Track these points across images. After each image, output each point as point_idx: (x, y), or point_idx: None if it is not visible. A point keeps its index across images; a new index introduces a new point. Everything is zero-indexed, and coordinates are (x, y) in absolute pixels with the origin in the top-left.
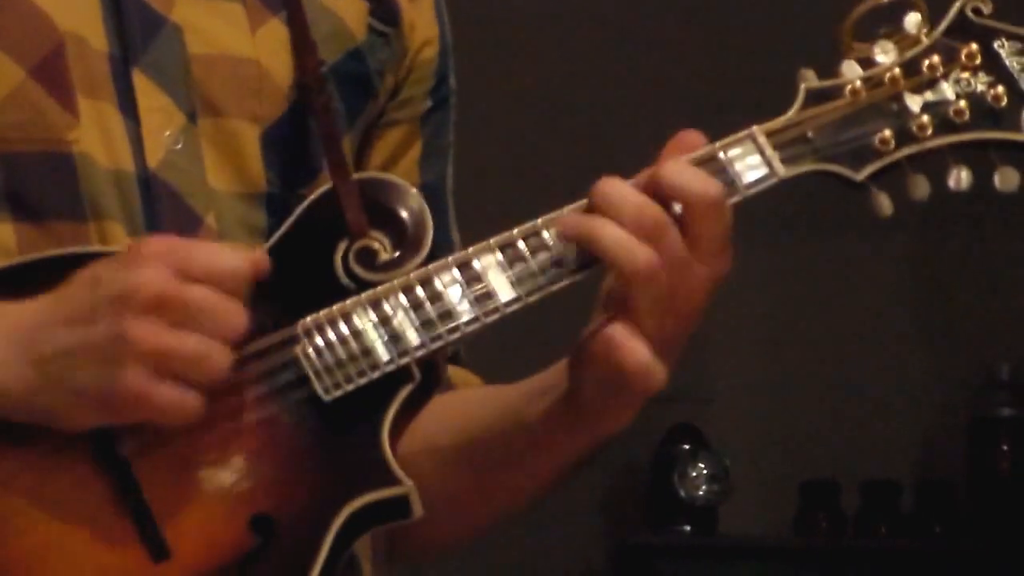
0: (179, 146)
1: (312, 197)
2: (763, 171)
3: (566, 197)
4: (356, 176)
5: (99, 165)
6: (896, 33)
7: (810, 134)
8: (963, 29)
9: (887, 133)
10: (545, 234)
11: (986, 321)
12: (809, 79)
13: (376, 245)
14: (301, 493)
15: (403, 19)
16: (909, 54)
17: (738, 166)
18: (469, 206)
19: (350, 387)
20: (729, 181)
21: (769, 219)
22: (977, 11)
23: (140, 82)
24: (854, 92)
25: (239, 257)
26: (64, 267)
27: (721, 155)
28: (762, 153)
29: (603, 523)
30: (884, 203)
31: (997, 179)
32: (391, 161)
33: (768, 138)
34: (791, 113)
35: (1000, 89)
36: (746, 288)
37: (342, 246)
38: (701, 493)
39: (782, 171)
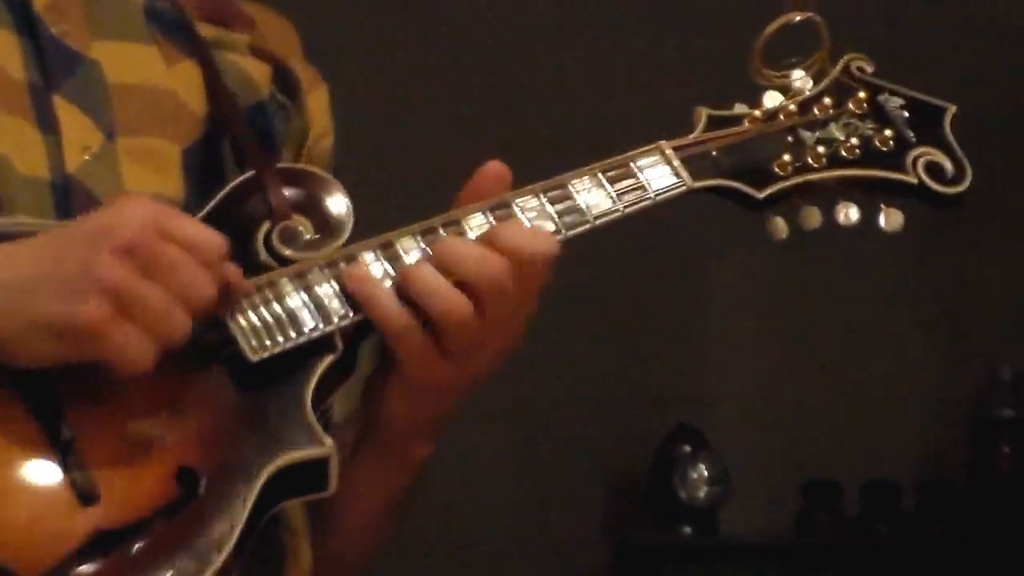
0: (97, 154)
1: (235, 181)
2: (672, 179)
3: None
4: (279, 165)
5: (16, 170)
6: (798, 63)
7: (714, 152)
8: (852, 79)
9: (785, 158)
10: (465, 222)
11: (989, 321)
12: (709, 110)
13: (299, 227)
14: (226, 450)
15: (303, 101)
16: (807, 93)
17: (648, 173)
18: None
19: (276, 349)
20: (639, 186)
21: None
22: (860, 69)
23: (61, 105)
24: (753, 120)
25: (214, 234)
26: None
27: (631, 164)
28: (670, 164)
29: (604, 524)
30: (780, 226)
31: (882, 219)
32: None
33: (675, 151)
34: (695, 134)
35: (887, 133)
36: (746, 289)
37: (264, 226)
38: (702, 495)
39: (690, 180)
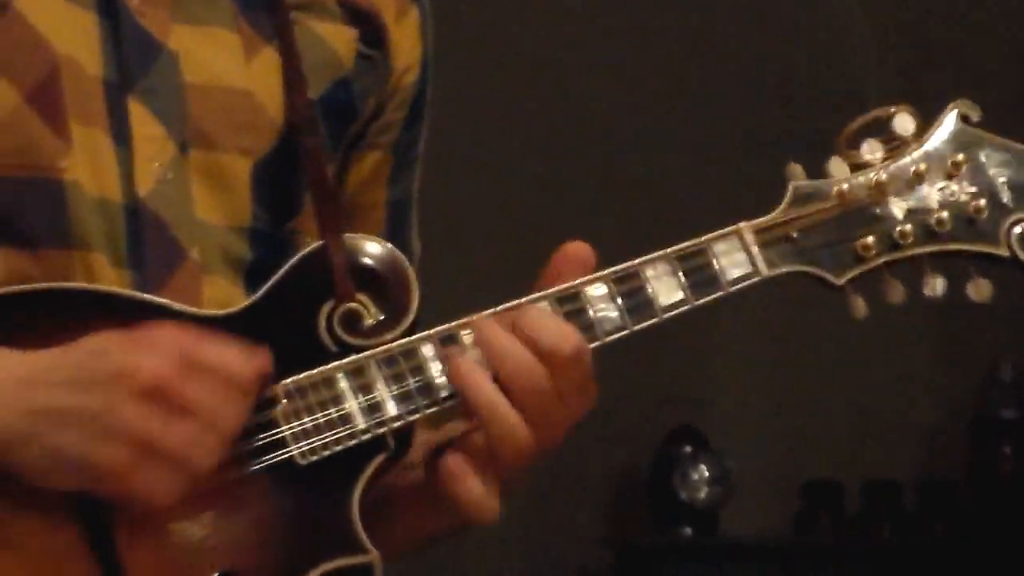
0: (169, 176)
1: (301, 254)
2: (747, 269)
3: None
4: (347, 237)
5: (87, 193)
6: (887, 136)
7: (795, 234)
8: (951, 136)
9: (870, 240)
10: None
11: (989, 321)
12: (797, 176)
13: (361, 309)
14: (269, 553)
15: (389, 40)
16: (897, 160)
17: (723, 261)
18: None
19: (326, 453)
20: (711, 278)
21: None
22: (966, 118)
23: (135, 109)
24: (840, 195)
25: (246, 359)
26: (50, 301)
27: (708, 249)
28: (747, 251)
29: (605, 525)
30: (860, 306)
31: (971, 289)
32: (365, 184)
33: (755, 235)
34: (778, 211)
35: (982, 202)
36: (747, 290)
37: (327, 307)
38: (702, 495)
39: (765, 271)
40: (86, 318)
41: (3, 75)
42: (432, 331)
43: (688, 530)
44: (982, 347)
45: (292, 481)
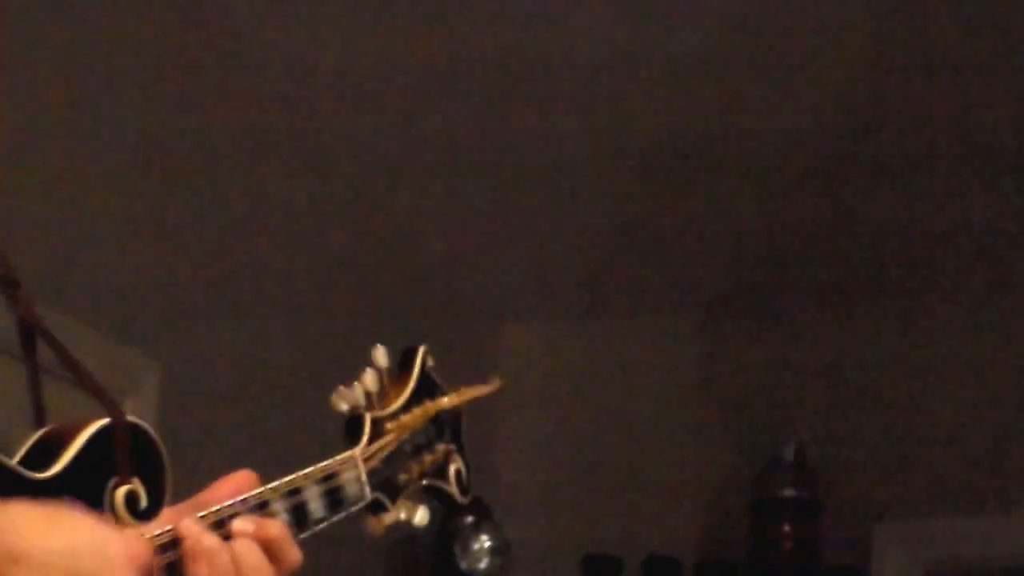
0: None
1: (93, 430)
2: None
3: None
4: (129, 419)
5: None
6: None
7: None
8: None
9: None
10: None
11: (771, 402)
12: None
13: (139, 491)
14: None
15: None
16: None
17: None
18: None
19: None
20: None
21: (557, 295)
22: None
23: None
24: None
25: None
26: None
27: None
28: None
29: None
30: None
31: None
32: None
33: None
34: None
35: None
36: (532, 360)
37: (112, 482)
38: (483, 566)
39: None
40: None
41: None
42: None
43: None
44: (764, 427)
45: None
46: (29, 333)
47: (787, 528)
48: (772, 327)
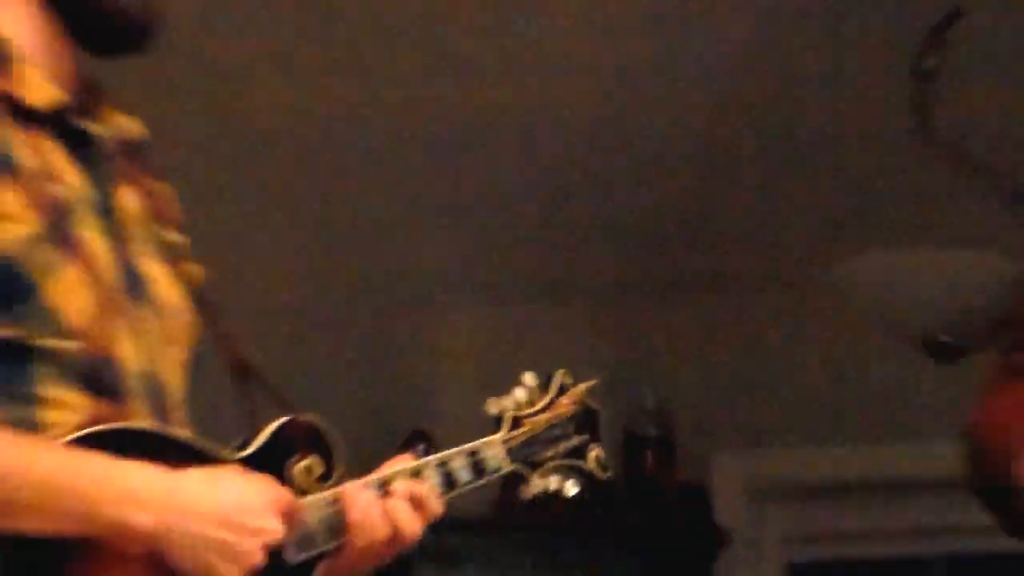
0: None
1: (277, 424)
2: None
3: None
4: (305, 416)
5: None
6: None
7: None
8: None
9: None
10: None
11: (643, 363)
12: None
13: (313, 464)
14: None
15: None
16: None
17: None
18: None
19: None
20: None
21: (489, 282)
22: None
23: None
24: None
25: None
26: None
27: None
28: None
29: None
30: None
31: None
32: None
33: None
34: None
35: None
36: (470, 343)
37: (293, 459)
38: None
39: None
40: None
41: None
42: (365, 479)
43: None
44: (636, 387)
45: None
46: (244, 372)
47: (650, 459)
48: (655, 310)
